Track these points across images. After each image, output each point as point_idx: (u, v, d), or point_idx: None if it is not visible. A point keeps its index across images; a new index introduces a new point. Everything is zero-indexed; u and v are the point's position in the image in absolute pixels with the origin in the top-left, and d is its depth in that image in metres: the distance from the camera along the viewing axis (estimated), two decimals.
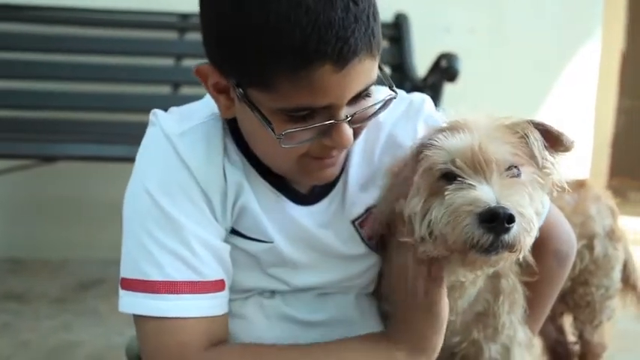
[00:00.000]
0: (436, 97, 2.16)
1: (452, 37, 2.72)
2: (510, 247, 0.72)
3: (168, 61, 2.50)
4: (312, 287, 0.95)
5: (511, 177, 0.76)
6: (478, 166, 0.74)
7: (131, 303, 0.82)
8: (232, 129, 0.88)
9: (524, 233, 0.72)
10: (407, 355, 0.84)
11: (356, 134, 0.81)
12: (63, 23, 2.44)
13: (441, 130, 0.81)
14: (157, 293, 0.81)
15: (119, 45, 2.45)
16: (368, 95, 0.79)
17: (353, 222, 0.94)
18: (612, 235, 1.23)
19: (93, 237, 2.59)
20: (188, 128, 0.85)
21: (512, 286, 0.95)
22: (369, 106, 0.80)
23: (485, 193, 0.71)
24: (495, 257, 0.73)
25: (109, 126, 2.40)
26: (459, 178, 0.74)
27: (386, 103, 0.82)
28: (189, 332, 0.81)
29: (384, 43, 2.60)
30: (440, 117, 0.90)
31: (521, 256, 0.78)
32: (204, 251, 0.83)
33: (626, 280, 1.33)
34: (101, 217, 2.58)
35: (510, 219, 0.70)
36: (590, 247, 1.20)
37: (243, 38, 0.72)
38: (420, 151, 0.82)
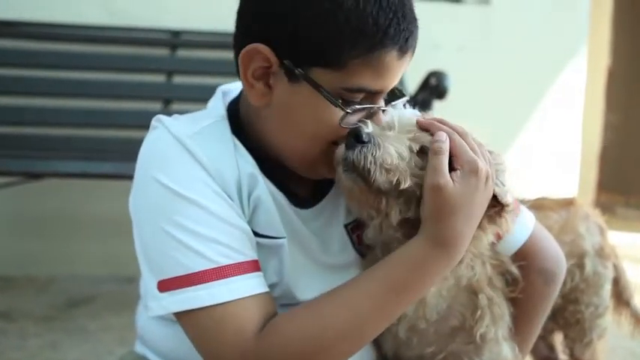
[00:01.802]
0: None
1: (441, 55, 2.75)
2: (357, 170, 0.79)
3: (160, 78, 2.51)
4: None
5: (413, 139, 0.82)
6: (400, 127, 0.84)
7: (180, 301, 0.80)
8: (236, 132, 0.90)
9: (372, 163, 0.78)
10: (432, 247, 0.81)
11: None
12: (53, 39, 2.44)
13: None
14: (206, 282, 0.79)
15: (111, 61, 2.46)
16: None
17: (346, 226, 0.95)
18: (602, 253, 1.23)
19: (81, 254, 2.58)
20: (198, 129, 0.87)
21: (491, 300, 0.95)
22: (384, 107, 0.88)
23: (368, 124, 0.82)
24: (348, 178, 0.81)
25: (99, 142, 2.39)
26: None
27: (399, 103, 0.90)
28: (245, 314, 0.80)
29: None
30: None
31: (383, 203, 0.81)
32: (237, 232, 0.83)
33: (619, 297, 1.33)
34: (89, 233, 2.57)
35: (358, 136, 0.79)
36: (580, 265, 1.19)
37: (328, 17, 0.78)
38: None
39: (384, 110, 0.86)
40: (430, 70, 2.25)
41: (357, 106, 0.82)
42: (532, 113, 2.93)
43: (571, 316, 1.21)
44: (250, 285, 0.81)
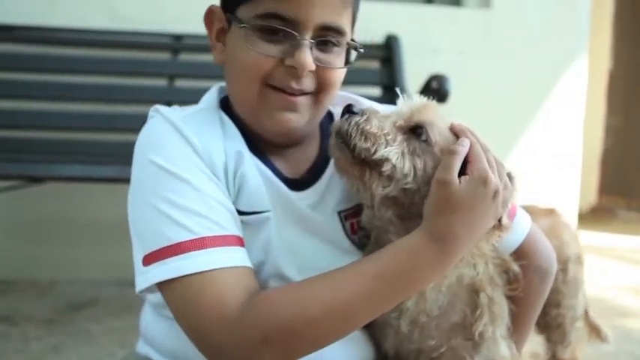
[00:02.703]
0: None
1: (441, 58, 2.76)
2: (339, 133, 0.86)
3: (161, 82, 2.51)
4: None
5: (410, 132, 0.87)
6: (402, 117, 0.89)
7: (161, 271, 0.81)
8: (228, 114, 0.96)
9: (354, 129, 0.85)
10: (426, 240, 0.82)
11: (323, 86, 0.91)
12: (56, 44, 2.45)
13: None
14: (187, 252, 0.80)
15: (112, 65, 2.47)
16: (336, 45, 0.90)
17: (339, 213, 0.96)
18: (579, 260, 1.31)
19: (82, 257, 2.58)
20: (189, 113, 0.93)
21: (492, 300, 0.96)
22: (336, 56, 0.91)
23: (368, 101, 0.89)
24: (337, 148, 0.87)
25: (101, 146, 2.40)
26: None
27: (349, 54, 0.94)
28: (225, 284, 0.80)
29: (375, 64, 2.63)
30: None
31: (370, 180, 0.86)
32: (222, 209, 0.85)
33: None
34: (90, 237, 2.58)
35: (348, 108, 0.87)
36: (564, 270, 1.26)
37: None
38: None
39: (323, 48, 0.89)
40: (431, 74, 2.25)
41: (259, 21, 0.86)
42: (533, 116, 2.94)
43: (553, 320, 1.28)
44: (230, 257, 0.83)
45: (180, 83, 2.51)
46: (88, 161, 2.13)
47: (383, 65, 2.61)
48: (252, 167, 0.91)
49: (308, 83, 0.90)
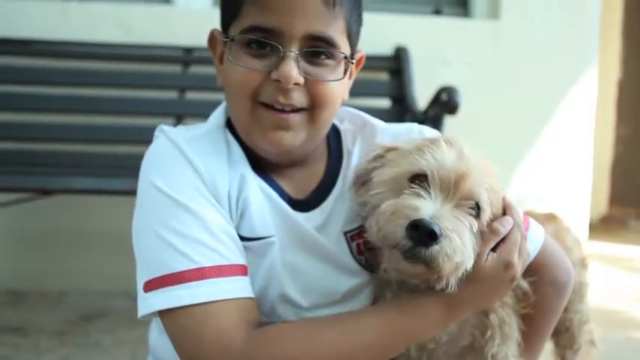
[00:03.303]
0: (437, 130, 2.18)
1: (450, 70, 2.76)
2: (426, 263, 0.77)
3: (172, 94, 2.53)
4: (302, 307, 0.93)
5: (468, 212, 0.81)
6: (449, 186, 0.80)
7: (160, 300, 0.81)
8: (235, 135, 0.94)
9: (444, 257, 0.76)
10: (442, 305, 0.86)
11: (316, 101, 0.88)
12: (68, 57, 2.48)
13: (431, 142, 0.86)
14: (187, 282, 0.80)
15: (124, 78, 2.49)
16: (328, 57, 0.87)
17: (345, 233, 0.95)
18: (583, 263, 1.31)
19: (93, 269, 2.59)
20: (195, 135, 0.92)
21: (502, 320, 0.95)
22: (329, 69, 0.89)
23: (426, 206, 0.77)
24: (409, 266, 0.78)
25: (112, 159, 2.42)
26: (423, 185, 0.80)
27: (343, 67, 0.90)
28: (227, 317, 0.80)
29: (384, 76, 2.64)
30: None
31: (443, 283, 0.80)
32: (224, 236, 0.84)
33: None
34: (101, 248, 2.59)
35: (432, 235, 0.75)
36: None
37: None
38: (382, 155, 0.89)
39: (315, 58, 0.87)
40: (441, 86, 2.26)
41: (242, 35, 0.86)
42: (543, 127, 2.93)
43: (561, 324, 1.26)
44: (232, 288, 0.82)
45: (190, 96, 2.53)
46: (99, 174, 2.15)
47: (392, 77, 2.62)
48: (256, 190, 0.90)
49: (298, 98, 0.87)
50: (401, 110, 2.49)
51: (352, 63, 0.92)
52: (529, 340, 1.00)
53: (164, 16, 2.64)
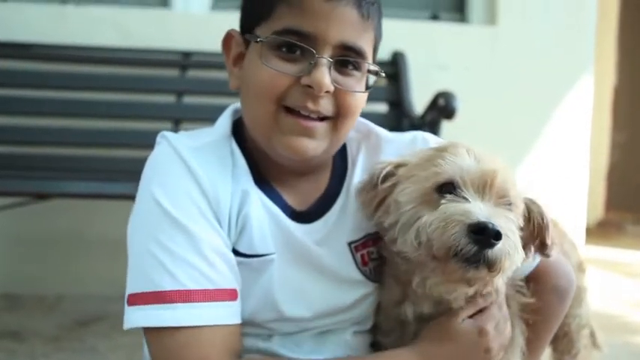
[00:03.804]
0: (434, 135, 2.18)
1: (447, 75, 2.77)
2: (490, 265, 0.77)
3: (170, 98, 2.53)
4: (304, 319, 0.93)
5: (507, 209, 0.82)
6: (482, 187, 0.80)
7: (143, 316, 0.80)
8: (240, 143, 0.92)
9: (506, 254, 0.77)
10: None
11: (342, 110, 0.87)
12: (66, 61, 2.48)
13: (441, 150, 0.87)
14: (171, 303, 0.79)
15: (122, 82, 2.49)
16: (355, 68, 0.87)
17: (349, 244, 0.94)
18: (581, 267, 1.30)
19: (90, 273, 2.58)
20: (200, 145, 0.89)
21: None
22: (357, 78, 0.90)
23: (478, 208, 0.77)
24: (473, 272, 0.77)
25: (110, 163, 2.42)
26: (455, 192, 0.80)
27: (369, 79, 0.92)
28: (207, 342, 0.79)
29: (381, 81, 2.65)
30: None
31: (499, 282, 0.83)
32: (217, 259, 0.83)
33: None
34: (98, 253, 2.58)
35: (497, 236, 0.75)
36: None
37: None
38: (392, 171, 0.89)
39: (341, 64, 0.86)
40: (438, 91, 2.26)
41: (275, 37, 0.84)
42: (539, 132, 2.94)
43: (559, 329, 1.25)
44: (218, 315, 0.81)
45: (188, 100, 2.53)
46: (96, 178, 2.14)
47: (389, 82, 2.63)
48: (258, 206, 0.88)
49: (326, 106, 0.86)
50: (398, 115, 2.50)
51: (382, 76, 0.93)
52: (530, 345, 1.00)
53: (162, 20, 2.65)
